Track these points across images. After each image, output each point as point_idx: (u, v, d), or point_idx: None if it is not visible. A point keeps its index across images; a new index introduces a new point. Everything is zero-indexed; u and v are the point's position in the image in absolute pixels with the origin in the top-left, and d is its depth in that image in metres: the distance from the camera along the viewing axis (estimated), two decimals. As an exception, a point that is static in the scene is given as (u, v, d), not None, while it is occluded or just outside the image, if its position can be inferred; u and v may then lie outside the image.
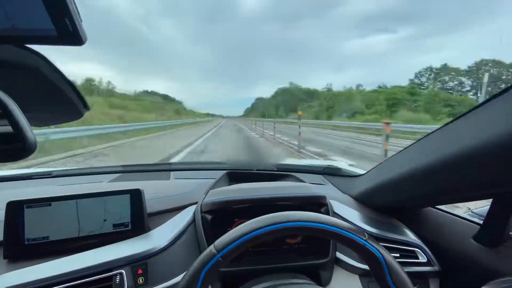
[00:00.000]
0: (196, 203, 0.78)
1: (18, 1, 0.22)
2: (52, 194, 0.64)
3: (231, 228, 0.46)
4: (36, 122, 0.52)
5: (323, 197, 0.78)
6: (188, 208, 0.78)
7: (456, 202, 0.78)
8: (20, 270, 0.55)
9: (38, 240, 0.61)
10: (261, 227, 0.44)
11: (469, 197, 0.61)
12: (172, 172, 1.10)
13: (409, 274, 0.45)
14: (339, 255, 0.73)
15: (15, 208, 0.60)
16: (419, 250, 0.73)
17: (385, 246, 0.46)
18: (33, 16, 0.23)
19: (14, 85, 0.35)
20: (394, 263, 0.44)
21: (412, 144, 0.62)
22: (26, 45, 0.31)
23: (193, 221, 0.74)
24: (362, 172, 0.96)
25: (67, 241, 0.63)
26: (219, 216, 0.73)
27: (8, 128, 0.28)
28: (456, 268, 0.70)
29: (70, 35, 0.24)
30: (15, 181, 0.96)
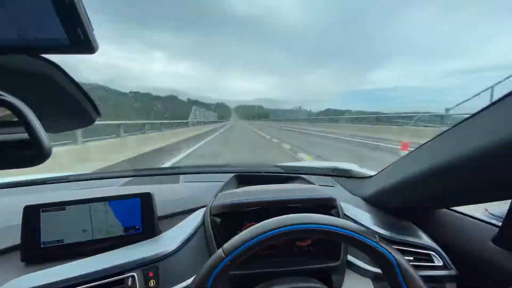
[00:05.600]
0: (205, 206, 0.78)
1: (32, 13, 0.23)
2: (66, 199, 0.66)
3: (240, 231, 0.46)
4: (51, 128, 0.54)
5: (333, 199, 0.77)
6: (197, 211, 0.79)
7: (473, 203, 0.75)
8: (37, 272, 0.56)
9: (53, 243, 0.62)
10: (269, 230, 0.44)
11: (487, 197, 0.59)
12: (181, 176, 1.12)
13: (425, 278, 0.43)
14: (350, 258, 0.72)
15: (32, 212, 0.62)
16: (434, 254, 0.71)
17: (398, 249, 0.45)
18: (46, 27, 0.23)
19: (30, 93, 0.36)
20: (407, 266, 0.43)
21: (426, 143, 0.61)
22: (40, 55, 0.32)
23: (202, 224, 0.74)
24: (372, 173, 0.94)
25: (81, 244, 0.64)
26: (228, 219, 0.73)
27: (25, 135, 0.29)
28: (474, 272, 0.67)
29: (82, 43, 0.24)
30: (31, 186, 0.99)
